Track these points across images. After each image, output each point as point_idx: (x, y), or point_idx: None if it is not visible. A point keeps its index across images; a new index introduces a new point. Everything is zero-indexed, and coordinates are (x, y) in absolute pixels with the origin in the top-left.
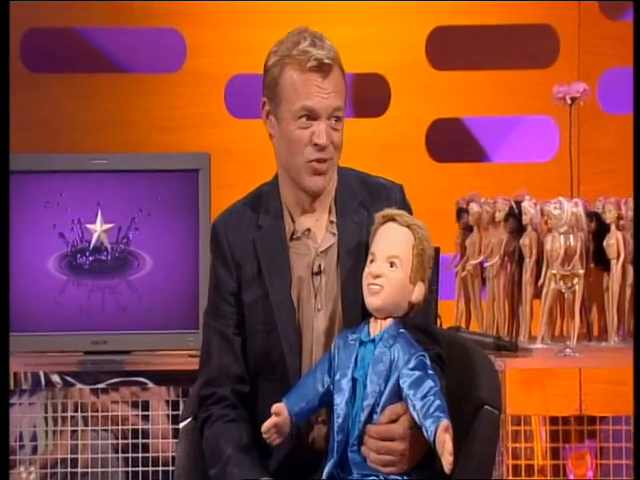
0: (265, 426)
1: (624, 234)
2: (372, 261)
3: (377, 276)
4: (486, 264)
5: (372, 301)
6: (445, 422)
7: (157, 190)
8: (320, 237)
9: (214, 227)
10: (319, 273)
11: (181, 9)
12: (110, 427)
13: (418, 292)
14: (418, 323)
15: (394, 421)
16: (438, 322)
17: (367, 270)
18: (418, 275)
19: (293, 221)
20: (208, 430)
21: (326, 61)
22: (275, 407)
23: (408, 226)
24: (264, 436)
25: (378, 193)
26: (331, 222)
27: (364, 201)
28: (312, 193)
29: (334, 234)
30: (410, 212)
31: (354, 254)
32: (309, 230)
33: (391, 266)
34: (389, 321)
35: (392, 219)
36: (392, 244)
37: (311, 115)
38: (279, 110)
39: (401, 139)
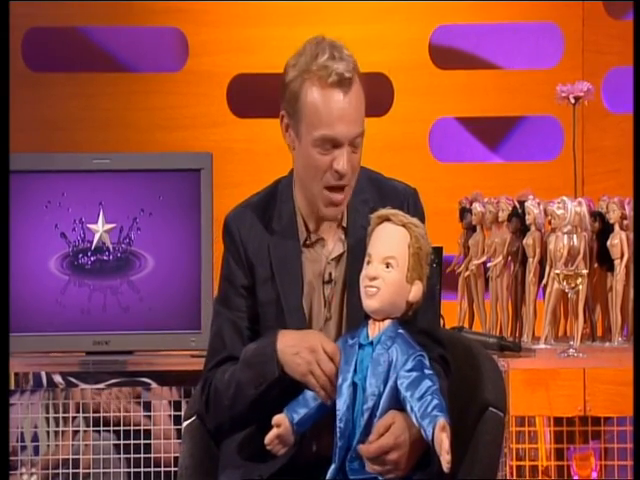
0: (267, 438)
1: (628, 234)
2: (368, 263)
3: (373, 278)
4: (489, 264)
5: (369, 304)
6: (441, 421)
7: (159, 190)
8: (332, 245)
9: (227, 222)
10: (330, 282)
11: (183, 8)
12: (112, 428)
13: (416, 291)
14: (422, 326)
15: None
16: (441, 322)
17: (363, 272)
18: (415, 274)
19: (306, 228)
20: (215, 380)
21: (347, 75)
22: (275, 419)
23: (403, 225)
24: (267, 448)
25: (390, 198)
26: (343, 228)
27: (376, 207)
28: (327, 220)
29: (345, 241)
30: (422, 218)
31: (362, 261)
32: (322, 239)
33: (387, 267)
34: (387, 322)
35: (387, 219)
36: (388, 244)
37: (333, 143)
38: (299, 128)
39: (404, 138)
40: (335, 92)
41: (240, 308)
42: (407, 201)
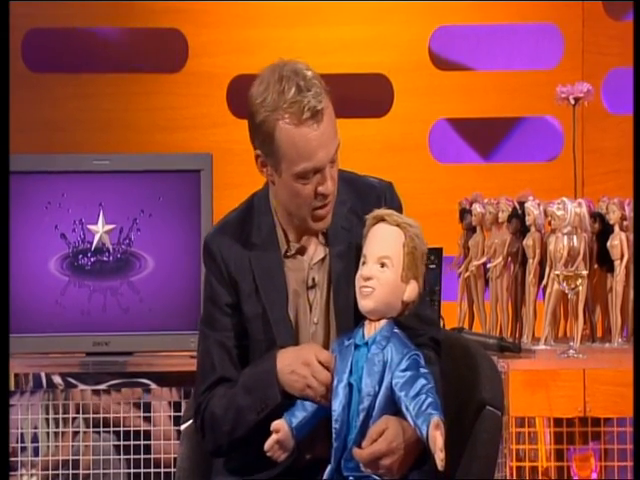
0: (267, 445)
1: (628, 235)
2: (364, 263)
3: (368, 278)
4: (489, 265)
5: (364, 304)
6: (435, 419)
7: (159, 191)
8: (312, 250)
9: (206, 243)
10: (314, 287)
11: (183, 9)
12: (112, 428)
13: (411, 291)
14: (413, 310)
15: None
16: (441, 323)
17: (359, 273)
18: (410, 273)
19: (286, 237)
20: (211, 405)
21: (319, 107)
22: (274, 424)
23: (398, 225)
24: (268, 454)
25: (367, 195)
26: (322, 233)
27: (353, 206)
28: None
29: (325, 245)
30: (400, 209)
31: (345, 262)
32: (303, 247)
33: (382, 267)
34: (383, 322)
35: (382, 219)
36: (382, 244)
37: (315, 171)
38: (278, 166)
39: (404, 139)
40: (310, 126)
41: (226, 327)
42: (384, 196)
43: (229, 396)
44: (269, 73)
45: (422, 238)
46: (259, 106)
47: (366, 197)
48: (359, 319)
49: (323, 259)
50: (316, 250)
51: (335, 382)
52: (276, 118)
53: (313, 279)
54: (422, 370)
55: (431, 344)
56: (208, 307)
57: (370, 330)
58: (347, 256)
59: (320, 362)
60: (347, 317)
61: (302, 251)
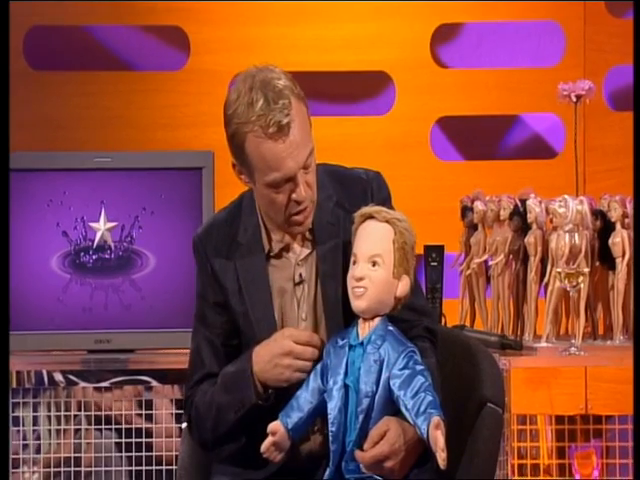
0: (264, 446)
1: (629, 232)
2: (354, 263)
3: (360, 278)
4: (491, 262)
5: (358, 304)
6: (436, 419)
7: (161, 188)
8: (298, 247)
9: (194, 242)
10: (301, 283)
11: (185, 7)
12: (114, 426)
13: (403, 286)
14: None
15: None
16: (443, 321)
17: (350, 273)
18: (402, 269)
19: (269, 237)
20: (196, 401)
21: (284, 122)
22: (271, 426)
23: (387, 221)
24: (264, 456)
25: (353, 188)
26: (309, 229)
27: (340, 200)
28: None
29: (312, 241)
30: (389, 199)
31: (332, 257)
32: (287, 245)
33: (373, 265)
34: (377, 321)
35: (370, 217)
36: (372, 242)
37: (286, 180)
38: (253, 176)
39: (406, 137)
40: (276, 140)
41: (215, 324)
42: (370, 186)
43: (210, 393)
44: (241, 82)
45: (411, 230)
46: (231, 117)
47: (352, 190)
48: (348, 313)
49: (310, 255)
50: (302, 246)
51: (330, 384)
52: (245, 131)
53: (300, 275)
54: (419, 367)
55: (426, 335)
56: (200, 303)
57: (364, 330)
58: (334, 251)
59: (299, 344)
60: (336, 312)
61: (287, 248)
